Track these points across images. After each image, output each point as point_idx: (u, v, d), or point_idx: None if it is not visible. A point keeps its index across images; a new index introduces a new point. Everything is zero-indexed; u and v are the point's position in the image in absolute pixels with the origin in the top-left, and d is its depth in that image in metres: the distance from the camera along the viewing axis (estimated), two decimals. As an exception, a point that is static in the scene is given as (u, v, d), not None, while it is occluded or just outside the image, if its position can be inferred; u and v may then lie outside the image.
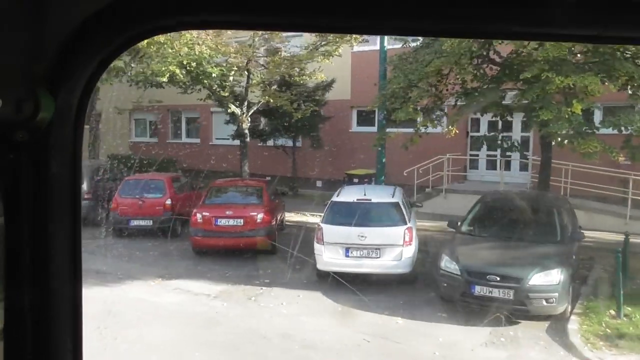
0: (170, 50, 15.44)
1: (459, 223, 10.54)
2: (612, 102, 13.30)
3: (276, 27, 1.81)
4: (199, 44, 15.56)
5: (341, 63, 18.88)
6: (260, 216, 12.51)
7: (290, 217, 17.05)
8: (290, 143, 21.49)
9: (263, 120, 21.16)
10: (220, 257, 12.54)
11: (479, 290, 8.68)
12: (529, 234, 9.58)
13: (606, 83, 10.10)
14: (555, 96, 10.26)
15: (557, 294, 8.42)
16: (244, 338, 8.29)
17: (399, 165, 18.45)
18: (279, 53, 18.03)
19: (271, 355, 7.75)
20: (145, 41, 14.70)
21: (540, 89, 9.68)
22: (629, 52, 9.78)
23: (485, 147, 13.93)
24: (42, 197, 1.07)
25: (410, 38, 13.87)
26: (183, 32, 15.19)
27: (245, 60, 16.31)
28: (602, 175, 15.36)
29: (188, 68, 15.60)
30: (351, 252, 10.26)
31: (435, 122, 13.70)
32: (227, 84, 17.29)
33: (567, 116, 9.65)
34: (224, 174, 21.24)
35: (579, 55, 10.02)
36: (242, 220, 12.40)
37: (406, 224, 10.37)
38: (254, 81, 16.58)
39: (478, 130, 20.11)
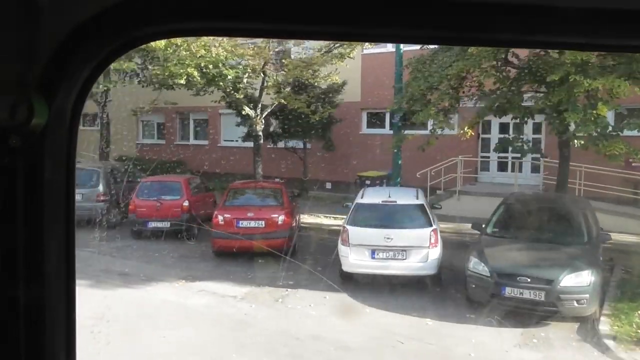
0: (184, 53, 15.49)
1: (484, 225, 10.58)
2: (634, 104, 13.36)
3: (269, 34, 1.80)
4: (215, 46, 15.60)
5: (351, 65, 18.92)
6: (281, 218, 12.54)
7: (304, 219, 17.08)
8: (300, 145, 21.53)
9: (274, 122, 21.19)
10: (240, 258, 12.54)
11: (509, 291, 8.72)
12: (556, 236, 9.63)
13: (630, 85, 10.15)
14: (579, 98, 10.32)
15: (588, 295, 8.47)
16: (276, 340, 8.31)
17: (411, 167, 18.52)
18: (290, 55, 18.12)
19: (306, 356, 7.76)
20: (163, 43, 14.78)
21: (566, 92, 9.74)
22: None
23: (506, 149, 13.87)
24: (36, 201, 1.07)
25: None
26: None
27: (262, 63, 16.32)
28: (614, 177, 15.43)
29: (204, 70, 15.64)
30: (377, 254, 10.29)
31: (452, 124, 13.75)
32: (240, 86, 17.34)
33: (592, 118, 9.70)
34: (233, 175, 21.33)
35: (604, 58, 10.07)
36: (263, 222, 12.42)
37: (432, 225, 10.42)
38: (269, 83, 16.60)
39: (489, 132, 20.20)
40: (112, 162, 18.86)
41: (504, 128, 19.38)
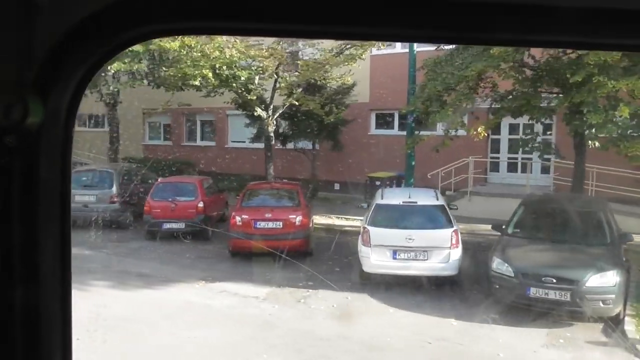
0: (196, 54, 15.51)
1: (504, 226, 10.62)
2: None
3: (268, 34, 1.79)
4: (229, 47, 15.63)
5: (360, 66, 18.96)
6: (298, 219, 12.56)
7: (315, 219, 17.10)
8: (309, 146, 21.57)
9: (283, 124, 21.22)
10: (257, 259, 12.55)
11: (534, 292, 8.76)
12: (578, 236, 9.67)
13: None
14: (599, 99, 10.36)
15: (613, 296, 8.51)
16: (304, 340, 8.33)
17: (420, 167, 18.55)
18: (298, 56, 18.15)
19: (336, 357, 7.79)
20: (177, 45, 14.79)
21: (587, 92, 9.78)
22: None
23: (523, 149, 13.90)
24: (32, 201, 1.06)
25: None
26: (214, 36, 15.30)
27: (276, 64, 16.35)
28: (626, 178, 15.48)
29: (218, 71, 15.67)
30: (399, 255, 10.33)
31: (464, 124, 13.78)
32: (252, 87, 17.37)
33: (613, 119, 9.74)
34: (241, 176, 21.36)
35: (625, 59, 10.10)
36: (281, 223, 12.45)
37: (452, 226, 10.46)
38: (282, 84, 16.62)
39: (499, 133, 20.24)
40: (125, 164, 18.83)
41: (513, 128, 19.45)
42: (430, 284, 10.60)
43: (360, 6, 1.01)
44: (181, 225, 14.56)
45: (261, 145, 22.52)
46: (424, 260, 10.26)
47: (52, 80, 1.04)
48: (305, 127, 19.63)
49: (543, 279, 8.70)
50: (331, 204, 19.78)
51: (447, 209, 10.83)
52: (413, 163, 17.00)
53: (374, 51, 20.45)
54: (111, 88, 20.95)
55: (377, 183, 20.11)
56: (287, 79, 16.76)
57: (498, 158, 20.53)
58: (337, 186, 22.65)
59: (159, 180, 18.67)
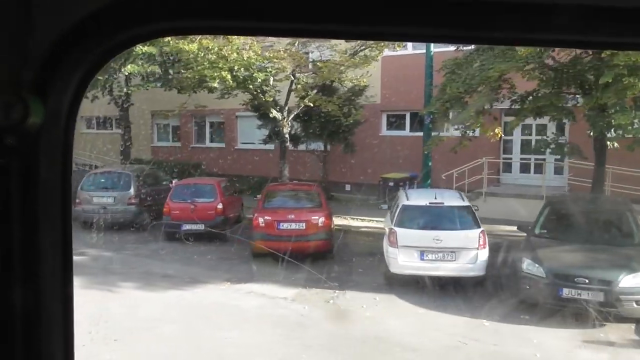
0: (212, 56, 15.53)
1: (530, 226, 10.65)
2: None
3: (268, 33, 1.76)
4: (246, 49, 15.67)
5: (371, 67, 18.98)
6: (321, 220, 12.59)
7: (332, 220, 17.13)
8: (321, 147, 21.61)
9: (295, 125, 21.25)
10: (277, 260, 12.55)
11: (567, 292, 8.78)
12: (607, 237, 9.71)
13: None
14: (626, 100, 10.42)
15: (647, 296, 8.54)
16: (339, 341, 8.37)
17: (434, 168, 18.60)
18: (314, 57, 18.20)
19: (374, 357, 7.82)
20: (195, 47, 14.83)
21: (615, 93, 9.83)
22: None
23: (548, 150, 13.93)
24: (32, 201, 1.06)
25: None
26: (231, 38, 15.35)
27: (294, 65, 16.40)
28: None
29: (235, 73, 15.71)
30: (426, 255, 10.36)
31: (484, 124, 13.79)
32: (267, 88, 17.42)
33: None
34: (251, 177, 21.39)
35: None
36: (304, 224, 12.47)
37: (479, 227, 10.49)
38: (299, 86, 16.66)
39: (511, 134, 20.27)
40: (142, 166, 18.85)
41: (525, 129, 19.49)
42: (457, 285, 10.62)
43: (361, 5, 1.01)
44: (200, 227, 14.58)
45: (271, 147, 22.60)
46: (452, 261, 10.29)
47: (52, 80, 1.04)
48: (319, 128, 19.66)
49: (576, 279, 8.73)
50: (343, 205, 19.79)
51: (474, 209, 10.86)
52: (430, 164, 17.00)
53: (386, 52, 20.51)
54: (124, 90, 21.00)
55: (391, 184, 20.16)
56: (304, 80, 16.76)
57: (510, 159, 20.58)
58: (347, 187, 22.68)
59: (173, 182, 18.77)
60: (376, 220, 17.58)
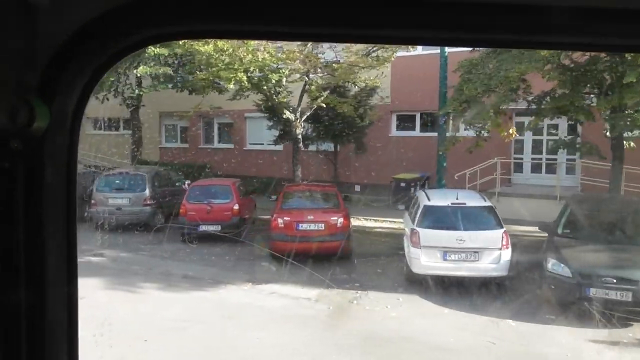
0: (224, 58, 15.55)
1: (552, 226, 10.67)
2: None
3: (270, 37, 1.76)
4: (261, 50, 15.69)
5: (385, 68, 19.00)
6: (340, 221, 12.62)
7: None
8: (331, 148, 21.64)
9: (306, 126, 21.27)
10: (296, 261, 12.54)
11: (594, 292, 8.80)
12: (631, 236, 9.72)
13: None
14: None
15: (674, 296, 8.55)
16: (369, 341, 8.37)
17: (447, 169, 18.60)
18: (327, 58, 18.20)
19: (405, 357, 7.83)
20: (211, 48, 14.84)
21: (638, 93, 9.86)
22: None
23: (562, 150, 13.96)
24: (37, 204, 1.06)
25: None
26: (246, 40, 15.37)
27: (310, 67, 16.42)
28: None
29: (250, 74, 15.74)
30: (449, 256, 10.38)
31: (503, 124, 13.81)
32: (280, 89, 17.46)
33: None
34: (261, 178, 21.40)
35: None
36: (323, 225, 12.49)
37: (502, 227, 10.51)
38: (312, 87, 16.68)
39: (522, 134, 20.29)
40: (158, 167, 18.88)
41: (537, 130, 19.51)
42: (480, 285, 10.63)
43: (359, 9, 1.02)
44: (217, 228, 14.58)
45: (280, 148, 22.64)
46: (475, 261, 10.31)
47: (57, 84, 1.04)
48: (330, 129, 19.68)
49: (603, 279, 8.75)
50: (354, 205, 19.75)
51: (495, 210, 10.88)
52: (445, 164, 17.02)
53: (399, 53, 20.53)
54: (136, 92, 21.02)
55: (402, 184, 20.21)
56: (318, 81, 16.78)
57: (521, 159, 20.61)
58: (357, 188, 22.70)
59: (185, 183, 18.79)
60: (389, 221, 17.63)
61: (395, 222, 17.32)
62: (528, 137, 20.32)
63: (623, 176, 16.07)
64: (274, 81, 16.37)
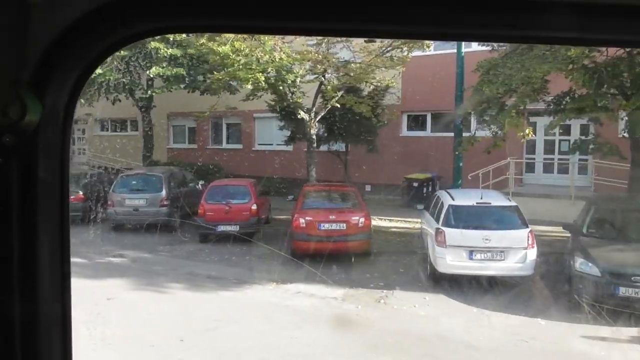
0: (239, 58, 15.59)
1: (575, 226, 10.73)
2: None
3: (263, 31, 1.78)
4: (277, 51, 15.75)
5: (402, 68, 19.04)
6: (361, 220, 12.68)
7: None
8: (342, 148, 21.69)
9: (319, 126, 21.32)
10: (318, 261, 12.58)
11: (623, 291, 8.86)
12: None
13: None
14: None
15: None
16: (403, 340, 8.42)
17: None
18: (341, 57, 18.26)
19: (441, 356, 7.88)
20: (228, 49, 14.89)
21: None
22: None
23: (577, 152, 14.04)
24: (30, 200, 1.06)
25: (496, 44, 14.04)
26: (263, 39, 15.43)
27: (326, 67, 16.47)
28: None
29: (267, 75, 15.79)
30: (475, 255, 10.43)
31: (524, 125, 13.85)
32: (294, 89, 17.51)
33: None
34: (271, 178, 21.43)
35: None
36: (345, 225, 12.54)
37: (527, 227, 10.57)
38: (329, 87, 16.73)
39: (534, 134, 20.33)
40: (171, 167, 18.92)
41: (548, 130, 19.57)
42: (505, 284, 10.70)
43: (356, 3, 1.03)
44: (236, 228, 14.62)
45: (290, 148, 22.69)
46: (501, 260, 10.36)
47: (49, 79, 1.04)
48: (343, 129, 19.72)
49: (633, 278, 8.80)
50: (367, 205, 19.81)
51: (520, 209, 10.95)
52: (461, 164, 17.08)
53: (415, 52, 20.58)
54: (148, 92, 21.05)
55: (415, 184, 20.27)
56: (334, 81, 16.84)
57: (533, 159, 20.67)
58: (368, 188, 22.74)
59: (199, 183, 18.84)
60: (403, 220, 17.69)
61: (409, 221, 17.38)
62: (540, 137, 20.38)
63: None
64: (289, 81, 16.41)
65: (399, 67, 16.85)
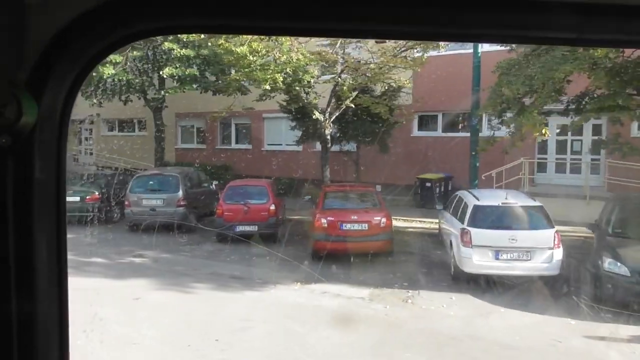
0: (255, 59, 15.60)
1: (600, 226, 10.76)
2: None
3: (261, 32, 1.82)
4: (295, 51, 15.76)
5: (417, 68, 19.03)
6: (383, 220, 12.70)
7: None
8: (354, 148, 21.71)
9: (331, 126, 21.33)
10: (340, 261, 12.60)
11: (654, 291, 8.89)
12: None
13: None
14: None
15: None
16: (435, 340, 8.43)
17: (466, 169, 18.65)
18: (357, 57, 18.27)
19: (477, 356, 7.89)
20: (246, 49, 14.90)
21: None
22: None
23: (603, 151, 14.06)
24: (26, 200, 1.06)
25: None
26: (280, 40, 15.44)
27: (342, 67, 16.50)
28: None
29: (284, 75, 15.81)
30: (501, 255, 10.45)
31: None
32: (309, 90, 17.53)
33: None
34: (281, 179, 21.46)
35: None
36: (366, 225, 12.57)
37: (553, 227, 10.59)
38: (344, 87, 16.75)
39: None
40: (189, 169, 18.93)
41: (563, 129, 19.60)
42: (531, 284, 10.71)
43: (356, 3, 1.04)
44: (254, 228, 14.64)
45: (299, 149, 22.70)
46: (527, 260, 10.39)
47: (46, 80, 1.04)
48: (355, 129, 19.74)
49: (663, 277, 8.84)
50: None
51: (545, 209, 10.97)
52: (477, 164, 17.09)
53: (417, 54, 20.59)
54: (162, 93, 21.06)
55: (427, 184, 20.28)
56: (350, 81, 16.85)
57: (545, 159, 20.70)
58: (378, 188, 22.74)
59: (213, 184, 18.86)
60: (418, 220, 17.73)
61: (424, 221, 17.44)
62: (552, 137, 20.40)
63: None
64: (305, 82, 16.44)
65: (415, 68, 16.79)
